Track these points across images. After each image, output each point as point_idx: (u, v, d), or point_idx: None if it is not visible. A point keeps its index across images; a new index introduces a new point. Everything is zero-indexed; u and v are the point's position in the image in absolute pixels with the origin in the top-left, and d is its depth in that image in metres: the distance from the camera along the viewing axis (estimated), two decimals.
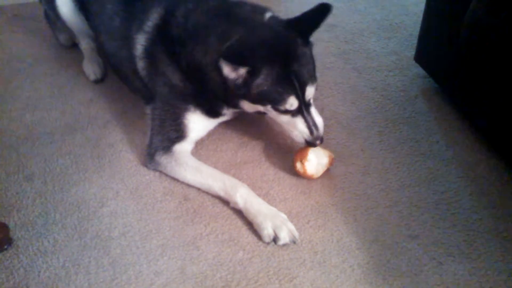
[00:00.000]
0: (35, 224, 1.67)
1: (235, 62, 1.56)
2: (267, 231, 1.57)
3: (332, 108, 2.14)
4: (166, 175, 1.83)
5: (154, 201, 1.75)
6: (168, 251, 1.57)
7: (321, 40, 2.54)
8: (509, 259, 1.51)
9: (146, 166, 1.87)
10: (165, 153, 1.82)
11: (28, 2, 2.97)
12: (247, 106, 1.73)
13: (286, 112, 1.67)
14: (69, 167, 1.89)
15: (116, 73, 2.23)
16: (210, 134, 1.96)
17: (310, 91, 1.65)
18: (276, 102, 1.63)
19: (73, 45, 2.54)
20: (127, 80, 2.11)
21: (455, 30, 1.84)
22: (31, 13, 2.88)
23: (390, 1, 2.95)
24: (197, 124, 1.84)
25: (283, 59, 1.59)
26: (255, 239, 1.60)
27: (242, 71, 1.58)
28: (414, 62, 2.30)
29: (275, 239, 1.57)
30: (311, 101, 1.71)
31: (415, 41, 2.28)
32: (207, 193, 1.76)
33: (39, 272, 1.52)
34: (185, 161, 1.80)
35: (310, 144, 1.72)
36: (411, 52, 2.35)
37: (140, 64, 1.88)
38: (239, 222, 1.66)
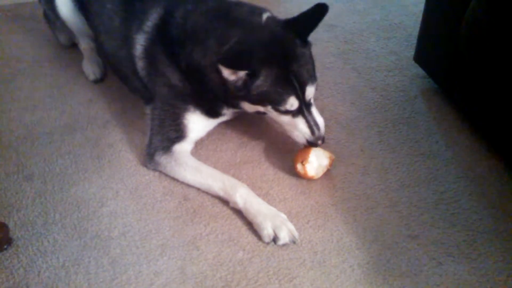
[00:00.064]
0: (35, 224, 1.67)
1: (234, 66, 1.56)
2: (267, 231, 1.57)
3: (331, 108, 2.14)
4: (166, 175, 1.83)
5: (153, 201, 1.75)
6: (168, 251, 1.57)
7: (320, 40, 2.54)
8: (509, 259, 1.51)
9: (145, 166, 1.87)
10: (164, 153, 1.82)
11: (28, 2, 2.97)
12: (247, 107, 1.73)
13: (286, 112, 1.67)
14: (68, 167, 1.89)
15: (115, 73, 2.23)
16: (210, 134, 1.96)
17: (310, 91, 1.65)
18: (277, 103, 1.64)
19: (73, 45, 2.54)
20: (126, 80, 2.11)
21: (455, 30, 1.84)
22: (31, 13, 2.87)
23: (390, 1, 2.95)
24: (197, 124, 1.84)
25: (282, 60, 1.59)
26: (255, 239, 1.60)
27: (242, 73, 1.58)
28: (413, 62, 2.30)
29: (275, 239, 1.57)
30: (312, 101, 1.71)
31: (414, 41, 2.28)
32: (206, 193, 1.76)
33: (39, 272, 1.52)
34: (184, 161, 1.80)
35: (311, 144, 1.72)
36: (411, 52, 2.35)
37: (140, 64, 1.88)
38: (239, 222, 1.66)
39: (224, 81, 1.62)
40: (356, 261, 1.53)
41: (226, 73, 1.59)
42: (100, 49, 2.35)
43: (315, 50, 1.72)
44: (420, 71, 2.29)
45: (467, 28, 1.77)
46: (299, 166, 1.74)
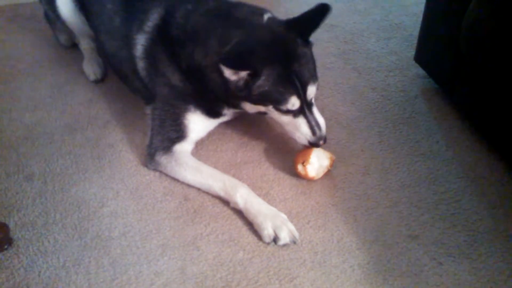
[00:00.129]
0: (35, 224, 1.67)
1: (236, 67, 1.56)
2: (267, 231, 1.57)
3: (332, 109, 2.14)
4: (166, 175, 1.83)
5: (154, 201, 1.75)
6: (168, 251, 1.57)
7: (321, 40, 2.54)
8: (509, 259, 1.51)
9: (146, 166, 1.87)
10: (165, 153, 1.82)
11: (28, 2, 2.97)
12: (249, 107, 1.74)
13: (287, 112, 1.67)
14: (69, 167, 1.89)
15: (116, 73, 2.23)
16: (210, 134, 1.96)
17: (311, 91, 1.65)
18: (278, 102, 1.64)
19: (73, 45, 2.54)
20: (127, 80, 2.11)
21: (455, 30, 1.84)
22: (31, 13, 2.88)
23: (390, 1, 2.96)
24: (197, 124, 1.84)
25: (284, 60, 1.59)
26: (255, 239, 1.60)
27: (243, 73, 1.58)
28: (414, 62, 2.30)
29: (275, 239, 1.57)
30: (313, 100, 1.71)
31: (415, 41, 2.28)
32: (207, 193, 1.76)
33: (39, 272, 1.52)
34: (185, 161, 1.80)
35: (313, 145, 1.72)
36: (411, 52, 2.35)
37: (140, 64, 1.88)
38: (239, 222, 1.66)
39: (225, 81, 1.62)
40: (357, 261, 1.53)
41: (228, 73, 1.59)
42: (100, 49, 2.36)
43: (316, 50, 1.72)
44: (420, 71, 2.29)
45: (467, 28, 1.77)
46: (299, 167, 1.74)
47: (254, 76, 1.58)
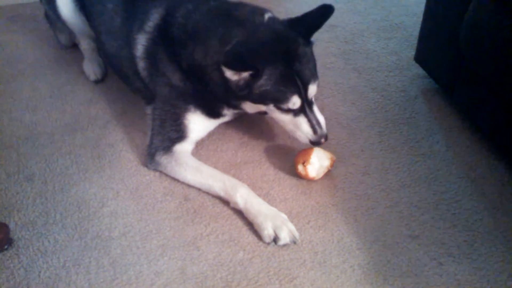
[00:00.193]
0: (36, 224, 1.67)
1: (238, 68, 1.56)
2: (268, 231, 1.57)
3: (332, 109, 2.14)
4: (166, 175, 1.83)
5: (154, 201, 1.75)
6: (169, 251, 1.57)
7: (321, 40, 2.54)
8: (510, 259, 1.51)
9: (146, 166, 1.87)
10: (165, 153, 1.82)
11: (28, 2, 2.97)
12: (249, 106, 1.73)
13: (288, 111, 1.67)
14: (69, 167, 1.89)
15: (116, 73, 2.23)
16: (210, 134, 1.96)
17: (312, 89, 1.65)
18: (279, 101, 1.64)
19: (73, 46, 2.54)
20: (127, 80, 2.11)
21: (455, 30, 1.84)
22: (31, 13, 2.87)
23: (390, 1, 2.96)
24: (198, 124, 1.84)
25: (285, 59, 1.59)
26: (255, 239, 1.60)
27: (245, 74, 1.58)
28: (414, 62, 2.30)
29: (275, 240, 1.57)
30: (313, 99, 1.71)
31: (415, 41, 2.28)
32: (207, 193, 1.76)
33: (40, 272, 1.52)
34: (185, 161, 1.80)
35: (314, 143, 1.72)
36: (411, 52, 2.35)
37: (141, 65, 1.88)
38: (240, 223, 1.66)
39: (225, 80, 1.62)
40: (357, 261, 1.53)
41: (229, 73, 1.59)
42: (101, 49, 2.36)
43: (316, 50, 1.72)
44: (420, 71, 2.29)
45: (467, 28, 1.77)
46: (300, 167, 1.74)
47: (255, 76, 1.58)
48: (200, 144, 1.94)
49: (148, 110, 1.93)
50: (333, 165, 1.79)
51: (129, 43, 1.90)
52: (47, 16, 2.51)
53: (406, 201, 1.71)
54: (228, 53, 1.58)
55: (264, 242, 1.58)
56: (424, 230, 1.61)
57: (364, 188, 1.77)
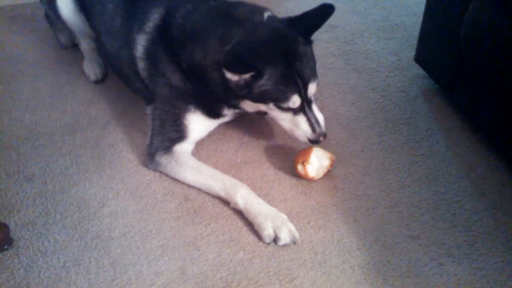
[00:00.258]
0: (36, 224, 1.67)
1: (238, 71, 1.56)
2: (268, 232, 1.57)
3: (332, 109, 2.14)
4: (167, 175, 1.83)
5: (154, 201, 1.75)
6: (169, 252, 1.57)
7: (321, 40, 2.54)
8: (510, 259, 1.51)
9: (146, 166, 1.87)
10: (165, 153, 1.81)
11: (28, 2, 2.97)
12: (249, 106, 1.73)
13: (288, 110, 1.67)
14: (69, 167, 1.89)
15: (116, 73, 2.23)
16: (211, 134, 1.96)
17: (312, 88, 1.66)
18: (279, 100, 1.64)
19: (73, 46, 2.54)
20: (127, 80, 2.11)
21: (455, 30, 1.84)
22: (31, 13, 2.87)
23: (390, 1, 2.96)
24: (198, 124, 1.84)
25: (285, 58, 1.59)
26: (255, 239, 1.60)
27: (246, 74, 1.58)
28: (414, 62, 2.30)
29: (275, 240, 1.57)
30: (312, 98, 1.71)
31: (415, 42, 2.28)
32: (207, 193, 1.75)
33: (40, 272, 1.52)
34: (185, 161, 1.80)
35: (313, 142, 1.72)
36: (411, 53, 2.35)
37: (141, 65, 1.88)
38: (240, 223, 1.66)
39: (225, 80, 1.62)
40: (357, 261, 1.53)
41: (229, 74, 1.59)
42: (101, 50, 2.36)
43: (316, 50, 1.72)
44: (420, 71, 2.29)
45: (467, 28, 1.77)
46: (299, 167, 1.74)
47: (256, 76, 1.58)
48: (200, 144, 1.94)
49: (148, 110, 1.93)
50: (332, 165, 1.79)
51: (129, 44, 1.90)
52: (47, 16, 2.51)
53: (406, 201, 1.71)
54: (228, 53, 1.58)
55: (264, 242, 1.58)
56: (424, 230, 1.61)
57: (364, 188, 1.77)
